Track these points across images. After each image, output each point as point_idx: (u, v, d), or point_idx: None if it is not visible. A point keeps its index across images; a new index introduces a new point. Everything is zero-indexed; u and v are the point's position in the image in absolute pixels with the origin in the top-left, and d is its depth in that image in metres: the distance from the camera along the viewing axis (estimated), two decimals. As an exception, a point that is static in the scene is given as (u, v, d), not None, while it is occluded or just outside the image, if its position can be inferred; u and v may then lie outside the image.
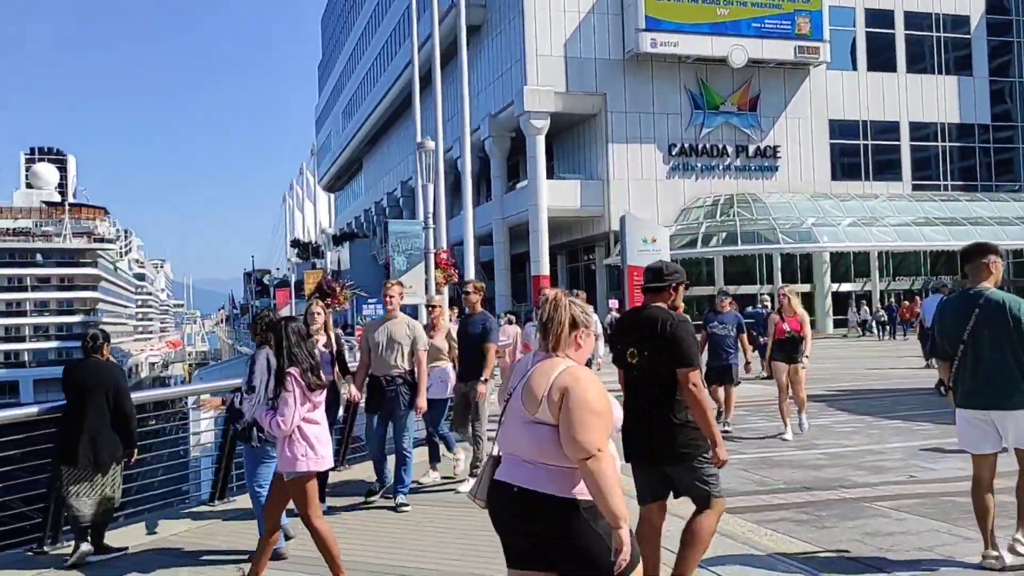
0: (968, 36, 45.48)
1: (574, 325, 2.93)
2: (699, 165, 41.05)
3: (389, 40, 59.40)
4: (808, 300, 40.73)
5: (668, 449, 4.00)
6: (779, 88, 41.95)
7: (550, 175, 43.37)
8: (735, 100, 41.43)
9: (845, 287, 41.38)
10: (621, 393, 4.12)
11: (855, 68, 43.62)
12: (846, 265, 41.80)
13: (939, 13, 44.86)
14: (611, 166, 39.95)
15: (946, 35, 45.04)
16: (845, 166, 43.59)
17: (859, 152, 43.93)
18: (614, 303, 32.39)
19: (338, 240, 70.12)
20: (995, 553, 4.70)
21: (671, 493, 4.15)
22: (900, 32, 44.28)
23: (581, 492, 2.74)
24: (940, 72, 44.96)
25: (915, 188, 44.04)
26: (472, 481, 5.66)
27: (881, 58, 44.17)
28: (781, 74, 41.82)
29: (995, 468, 4.79)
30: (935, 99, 44.79)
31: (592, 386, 2.78)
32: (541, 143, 39.40)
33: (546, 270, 39.59)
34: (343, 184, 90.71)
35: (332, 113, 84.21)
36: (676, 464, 4.00)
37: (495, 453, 2.99)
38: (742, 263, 40.61)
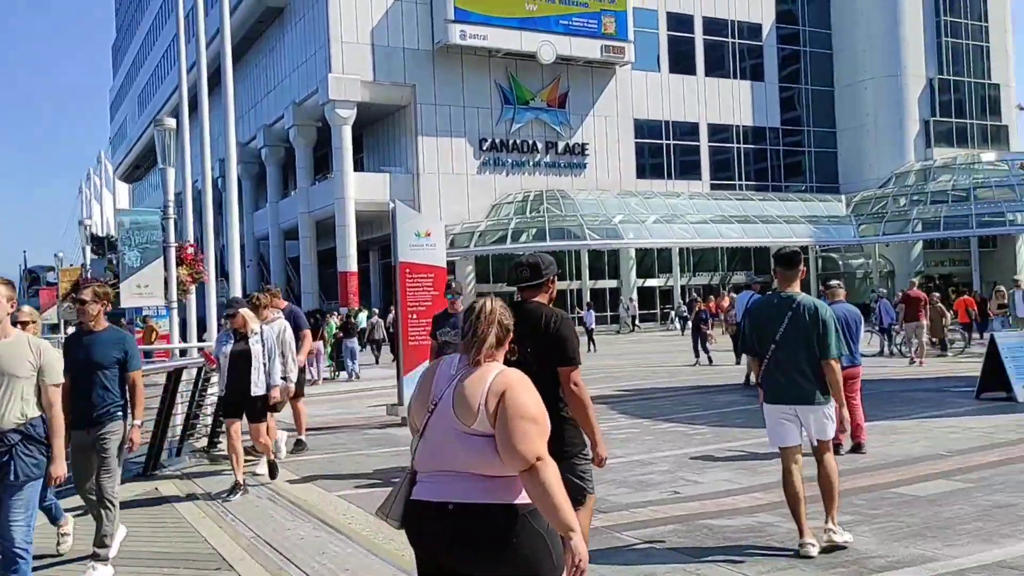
0: (760, 44, 48.04)
1: (503, 335, 2.84)
2: (510, 161, 40.87)
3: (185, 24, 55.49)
4: (615, 295, 41.71)
5: (555, 446, 3.34)
6: (587, 86, 42.51)
7: (360, 168, 41.90)
8: (545, 96, 41.57)
9: (650, 283, 42.68)
10: None
11: (659, 70, 44.97)
12: (651, 261, 43.07)
13: (735, 20, 47.07)
14: (421, 159, 38.99)
15: (741, 42, 47.35)
16: (650, 165, 44.86)
17: (662, 152, 45.35)
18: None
19: (134, 234, 64.92)
20: (810, 540, 5.02)
21: None
22: (699, 37, 46.09)
23: (522, 498, 2.62)
24: (736, 77, 47.20)
25: (713, 187, 46.01)
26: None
27: (682, 61, 45.80)
28: (589, 72, 42.39)
29: (801, 459, 5.21)
30: (731, 103, 46.98)
31: (527, 391, 2.68)
32: (348, 134, 37.83)
33: (354, 266, 38.09)
34: (142, 174, 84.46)
35: (127, 98, 78.18)
36: (560, 462, 3.39)
37: (409, 470, 2.78)
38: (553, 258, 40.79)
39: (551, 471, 2.59)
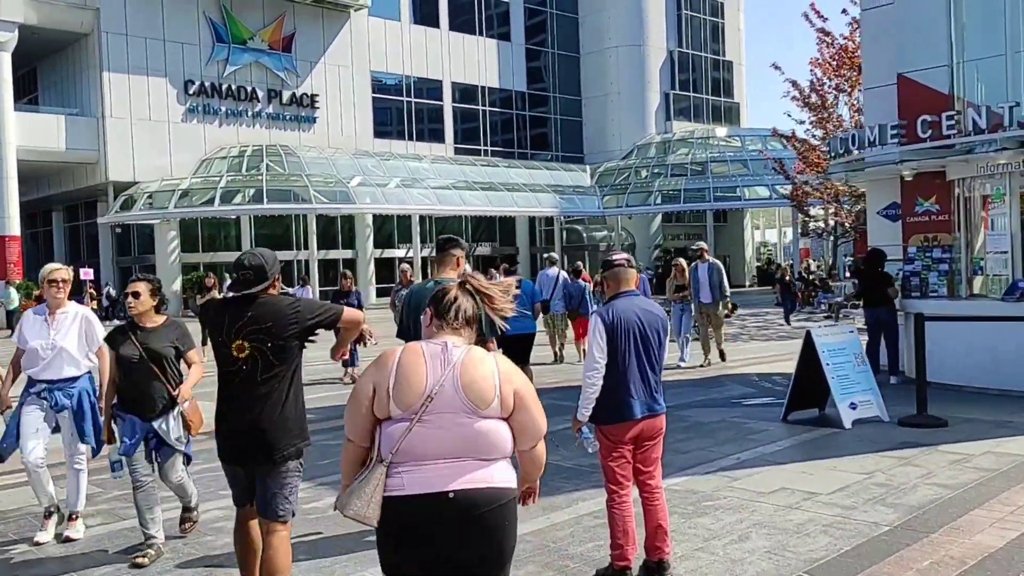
0: (507, 0, 45.26)
1: (477, 312, 2.82)
2: (223, 109, 34.92)
3: None
4: (351, 267, 37.21)
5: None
6: (317, 29, 37.38)
7: (29, 107, 34.03)
8: (266, 36, 35.94)
9: (389, 253, 38.60)
10: None
11: (399, 19, 40.75)
12: (390, 230, 39.07)
13: (480, -29, 43.92)
14: (108, 101, 32.01)
15: (487, -4, 44.29)
16: (389, 124, 40.69)
17: (403, 110, 41.34)
18: (87, 272, 25.25)
19: None
20: None
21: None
22: (443, -14, 42.43)
23: (514, 480, 2.71)
24: (482, 34, 44.12)
25: (457, 152, 42.77)
26: None
27: (425, 11, 41.92)
28: (319, 14, 37.29)
29: None
30: (476, 62, 43.87)
31: (524, 376, 2.78)
32: (6, 62, 30.02)
33: (16, 229, 30.58)
34: None
35: None
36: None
37: (386, 461, 2.61)
38: (277, 225, 35.62)
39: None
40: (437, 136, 42.59)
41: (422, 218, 38.64)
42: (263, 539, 3.72)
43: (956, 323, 9.06)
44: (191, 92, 33.88)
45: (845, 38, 19.69)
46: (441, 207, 36.92)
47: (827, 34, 20.08)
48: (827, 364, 7.61)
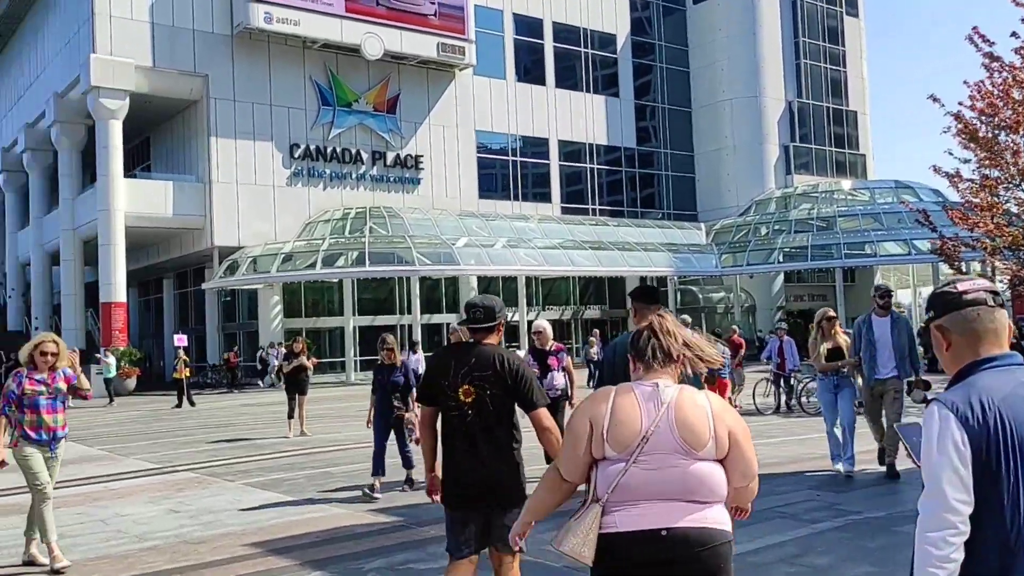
0: (615, 56, 43.96)
1: (681, 349, 2.79)
2: (328, 172, 34.40)
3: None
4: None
5: (514, 491, 4.00)
6: (422, 90, 36.77)
7: (143, 174, 34.45)
8: (372, 99, 35.47)
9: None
10: None
11: (504, 77, 39.87)
12: (494, 293, 37.48)
13: (587, 28, 42.80)
14: (214, 166, 31.89)
15: (594, 52, 43.09)
16: (493, 183, 39.51)
17: (508, 169, 40.13)
18: (181, 339, 24.44)
19: None
20: None
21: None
22: (549, 43, 41.45)
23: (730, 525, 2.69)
24: (589, 90, 42.80)
25: (564, 211, 41.14)
26: None
27: (531, 69, 40.98)
28: (424, 74, 36.70)
29: None
30: (584, 119, 42.46)
31: (737, 414, 2.76)
32: (116, 130, 30.29)
33: (122, 296, 30.43)
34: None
35: None
36: (516, 507, 3.78)
37: (602, 500, 2.62)
38: (380, 289, 34.61)
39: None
40: (543, 195, 41.14)
41: (528, 280, 36.98)
42: (496, 571, 3.94)
43: None
44: (296, 156, 33.53)
45: (1015, 68, 17.00)
46: (548, 268, 35.15)
47: (995, 59, 17.39)
48: None
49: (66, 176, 33.72)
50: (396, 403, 8.58)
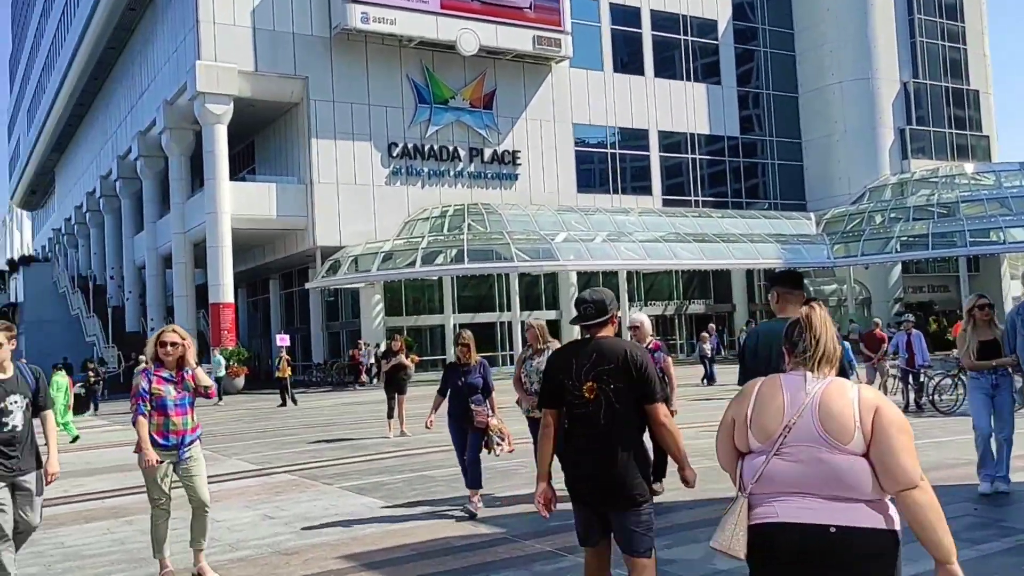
0: (716, 43, 42.49)
1: (837, 343, 2.70)
2: (426, 169, 34.36)
3: (61, 22, 48.52)
4: (555, 329, 35.12)
5: (627, 491, 3.84)
6: (518, 84, 36.34)
7: (248, 176, 35.20)
8: (467, 95, 35.26)
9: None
10: None
11: (601, 68, 39.02)
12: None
13: (686, 15, 41.49)
14: (316, 167, 32.26)
15: (694, 39, 41.73)
16: (591, 177, 38.73)
17: (607, 162, 39.27)
18: (283, 339, 24.73)
19: (13, 266, 57.24)
20: None
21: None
22: (647, 32, 40.36)
23: (896, 523, 2.50)
24: (689, 79, 41.49)
25: (666, 203, 39.99)
26: None
27: (628, 59, 39.98)
28: (520, 68, 36.26)
29: None
30: (684, 108, 41.19)
31: (892, 404, 2.56)
32: (222, 134, 30.98)
33: (230, 296, 31.11)
34: (40, 200, 76.37)
35: (20, 113, 70.43)
36: (629, 508, 3.81)
37: (747, 491, 2.57)
38: (480, 286, 34.39)
39: (931, 490, 2.47)
40: (643, 188, 40.10)
41: (629, 274, 36.10)
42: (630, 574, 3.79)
43: None
44: (394, 154, 33.60)
45: None
46: (650, 261, 34.16)
47: None
48: None
49: (176, 181, 34.78)
50: (474, 406, 7.36)
